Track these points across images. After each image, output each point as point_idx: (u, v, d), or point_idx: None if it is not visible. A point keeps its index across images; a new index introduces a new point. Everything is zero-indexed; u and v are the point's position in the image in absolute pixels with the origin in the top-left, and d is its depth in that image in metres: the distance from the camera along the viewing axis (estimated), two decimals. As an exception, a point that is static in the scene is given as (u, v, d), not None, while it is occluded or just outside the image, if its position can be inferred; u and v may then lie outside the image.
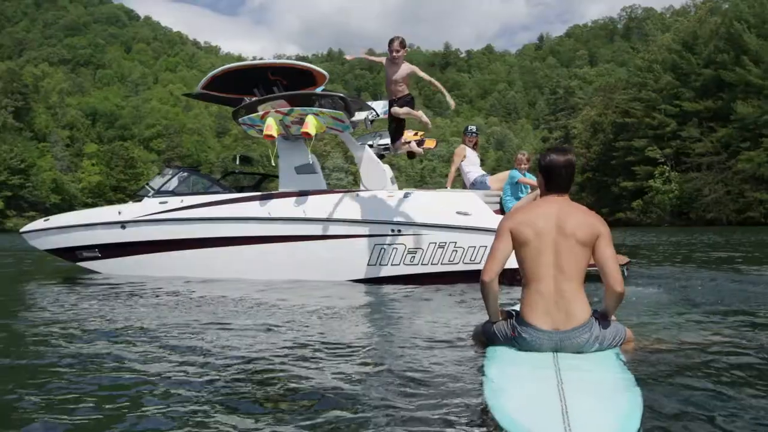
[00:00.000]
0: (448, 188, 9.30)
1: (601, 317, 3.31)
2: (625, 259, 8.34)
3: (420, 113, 7.67)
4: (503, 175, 8.99)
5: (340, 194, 8.35)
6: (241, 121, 8.30)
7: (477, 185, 9.22)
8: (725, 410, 2.59)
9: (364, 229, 8.00)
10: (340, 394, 2.92)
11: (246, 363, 3.59)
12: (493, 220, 7.65)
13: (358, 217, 8.04)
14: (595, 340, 3.16)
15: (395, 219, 7.90)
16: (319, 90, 8.66)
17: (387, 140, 10.26)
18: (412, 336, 4.37)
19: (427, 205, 7.96)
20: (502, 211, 8.28)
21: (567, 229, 3.16)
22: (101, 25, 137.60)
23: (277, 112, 7.94)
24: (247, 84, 8.58)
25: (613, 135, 61.63)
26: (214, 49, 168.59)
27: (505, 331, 3.29)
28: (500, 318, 3.40)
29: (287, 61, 9.21)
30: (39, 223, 10.22)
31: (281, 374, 3.35)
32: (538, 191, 7.72)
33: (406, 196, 8.05)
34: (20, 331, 4.81)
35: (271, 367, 3.52)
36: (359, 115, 9.78)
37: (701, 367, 3.31)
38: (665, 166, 54.91)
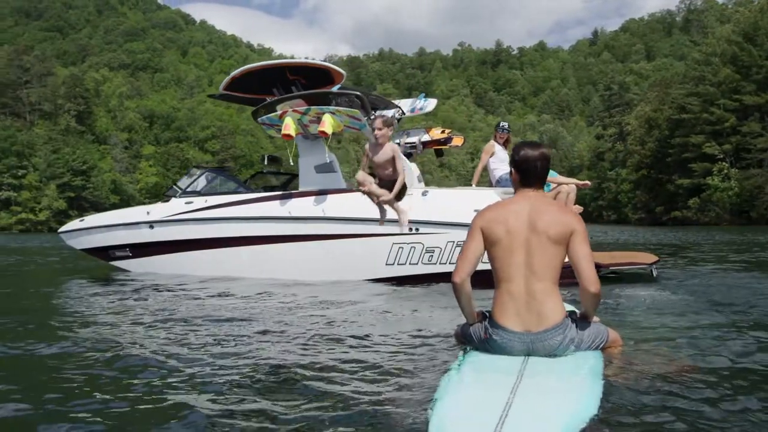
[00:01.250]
0: (474, 185, 9.13)
1: (581, 318, 3.18)
2: (652, 258, 8.04)
3: (403, 215, 7.09)
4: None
5: (359, 193, 8.30)
6: (261, 120, 8.37)
7: (502, 183, 9.04)
8: None
9: (382, 228, 7.93)
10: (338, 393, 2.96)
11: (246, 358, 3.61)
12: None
13: (378, 215, 7.97)
14: (571, 342, 3.03)
15: (413, 218, 7.80)
16: (335, 88, 8.63)
17: (414, 138, 10.21)
18: (396, 335, 4.32)
19: (445, 203, 7.85)
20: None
21: (539, 226, 3.03)
22: (159, 30, 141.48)
23: (294, 111, 7.98)
24: (267, 84, 8.66)
25: (669, 131, 59.66)
26: (267, 51, 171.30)
27: (479, 333, 3.20)
28: (476, 320, 3.29)
29: (305, 61, 9.26)
30: (75, 224, 10.56)
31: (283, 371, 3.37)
32: (560, 189, 7.59)
33: (424, 194, 7.97)
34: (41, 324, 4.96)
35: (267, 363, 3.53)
36: (386, 114, 9.73)
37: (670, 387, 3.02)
38: (724, 163, 52.78)
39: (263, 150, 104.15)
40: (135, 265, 9.90)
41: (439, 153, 10.89)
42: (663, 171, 60.28)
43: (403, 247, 7.86)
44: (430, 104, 10.54)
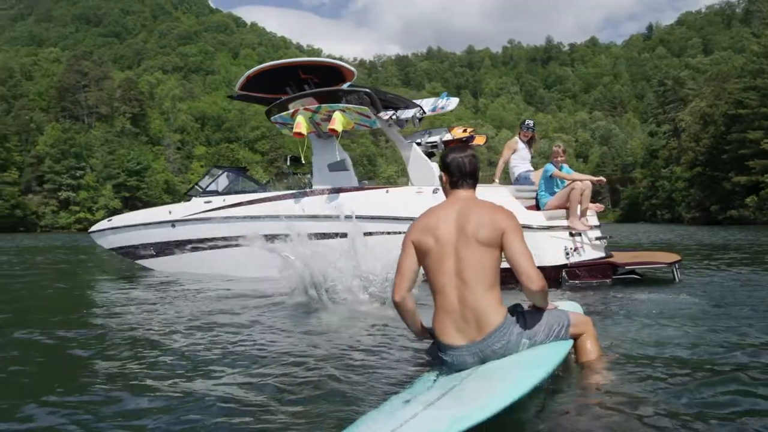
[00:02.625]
0: (496, 180, 8.96)
1: (530, 310, 3.07)
2: (673, 257, 7.72)
3: None
4: (546, 171, 8.57)
5: (370, 191, 8.26)
6: (274, 119, 8.41)
7: (521, 180, 8.90)
8: None
9: (392, 226, 7.86)
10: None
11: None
12: (523, 216, 7.32)
13: (387, 213, 7.92)
14: (520, 337, 2.92)
15: (422, 216, 7.70)
16: (345, 86, 8.60)
17: (436, 138, 10.08)
18: (369, 347, 4.15)
19: (455, 201, 7.71)
20: (537, 206, 7.90)
21: (468, 230, 2.91)
22: (211, 34, 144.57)
23: (305, 109, 7.99)
24: (281, 83, 8.69)
25: (725, 127, 57.48)
26: (316, 51, 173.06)
27: (436, 351, 3.11)
28: (424, 335, 3.22)
29: (316, 59, 9.24)
30: (103, 224, 10.81)
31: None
32: (574, 186, 7.37)
33: (434, 191, 7.84)
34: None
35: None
36: (407, 113, 9.65)
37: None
38: (784, 159, 50.63)
39: (310, 150, 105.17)
40: (159, 264, 10.08)
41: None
42: (718, 168, 58.15)
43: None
44: (452, 103, 10.39)
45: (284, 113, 8.23)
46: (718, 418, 2.49)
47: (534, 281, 2.85)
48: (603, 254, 7.66)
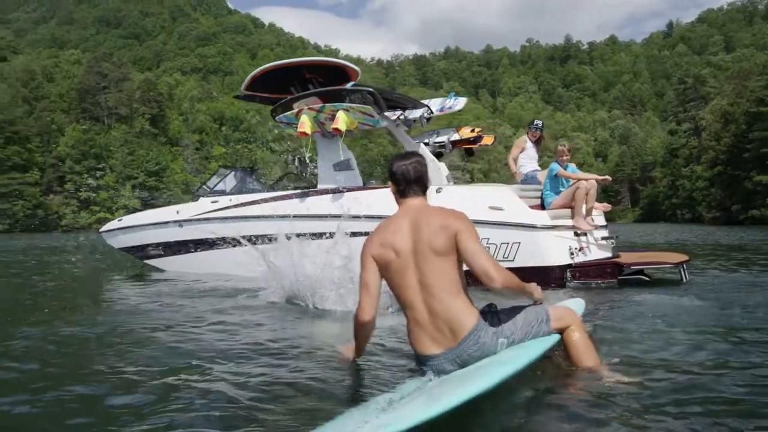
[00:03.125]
0: (519, 180, 8.81)
1: (506, 310, 3.03)
2: (680, 258, 7.61)
3: None
4: (554, 171, 8.50)
5: (373, 191, 8.23)
6: (278, 119, 8.42)
7: (528, 180, 8.85)
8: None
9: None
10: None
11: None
12: (527, 215, 7.28)
13: (391, 213, 7.86)
14: (496, 337, 2.88)
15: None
16: (349, 86, 8.58)
17: (443, 138, 10.05)
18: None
19: (459, 200, 7.64)
20: (542, 206, 7.82)
21: (423, 241, 2.88)
22: (229, 35, 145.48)
23: (310, 109, 7.99)
24: (286, 83, 8.69)
25: (747, 125, 56.62)
26: (334, 51, 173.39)
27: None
28: (362, 354, 3.28)
29: (320, 59, 9.23)
30: (114, 223, 10.89)
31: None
32: (579, 185, 7.29)
33: (438, 191, 7.80)
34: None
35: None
36: (415, 113, 9.62)
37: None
38: (807, 158, 49.80)
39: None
40: (168, 264, 10.14)
41: (469, 152, 10.69)
42: (740, 167, 57.34)
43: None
44: (460, 103, 10.36)
45: (289, 113, 8.24)
46: (711, 420, 2.46)
47: (494, 278, 2.78)
48: (609, 254, 7.56)
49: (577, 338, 3.07)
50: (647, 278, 7.66)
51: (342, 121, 7.71)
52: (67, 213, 72.02)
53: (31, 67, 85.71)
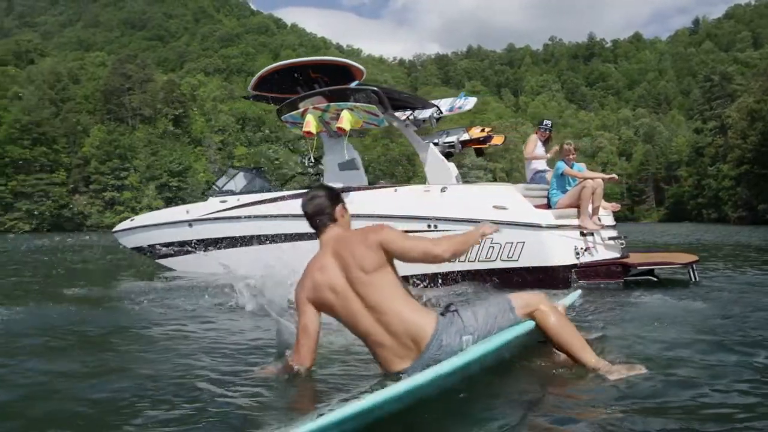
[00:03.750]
0: (547, 177, 8.71)
1: (465, 306, 3.02)
2: (689, 258, 7.47)
3: None
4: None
5: (378, 190, 8.21)
6: (284, 118, 8.44)
7: (536, 179, 8.80)
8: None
9: (400, 225, 7.78)
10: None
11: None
12: (532, 215, 7.19)
13: (396, 212, 7.85)
14: (458, 335, 2.84)
15: (431, 214, 7.63)
16: (353, 85, 8.57)
17: (453, 138, 10.00)
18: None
19: (463, 199, 7.61)
20: (548, 205, 7.73)
21: (351, 266, 2.87)
22: (252, 35, 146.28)
23: (315, 108, 7.99)
24: (292, 83, 8.71)
25: (774, 123, 55.57)
26: (355, 51, 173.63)
27: None
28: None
29: (325, 58, 9.25)
30: (126, 223, 11.01)
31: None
32: (585, 184, 7.19)
33: (443, 190, 7.76)
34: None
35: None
36: (424, 113, 9.58)
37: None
38: (836, 157, 48.63)
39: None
40: (178, 264, 10.20)
41: (479, 152, 10.62)
42: (767, 166, 56.23)
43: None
44: (470, 103, 10.30)
45: (294, 112, 8.26)
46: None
47: (438, 253, 2.87)
48: (617, 254, 7.46)
49: (552, 321, 3.02)
50: (655, 279, 7.53)
51: (346, 120, 7.70)
52: (93, 213, 73.09)
53: (57, 70, 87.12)
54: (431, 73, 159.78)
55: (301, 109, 8.13)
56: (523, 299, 3.08)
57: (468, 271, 7.38)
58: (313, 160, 9.02)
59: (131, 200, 74.20)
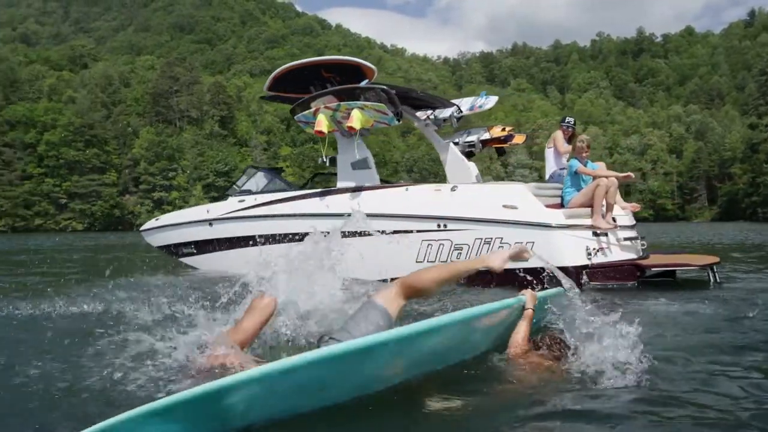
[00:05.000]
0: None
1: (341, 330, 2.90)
2: (708, 260, 7.18)
3: None
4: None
5: (390, 189, 8.16)
6: (297, 118, 8.46)
7: (555, 178, 8.63)
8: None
9: (411, 225, 7.73)
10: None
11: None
12: (542, 214, 7.03)
13: (407, 212, 7.79)
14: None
15: (441, 214, 7.54)
16: (363, 83, 8.52)
17: (473, 137, 9.89)
18: None
19: (473, 198, 7.49)
20: (562, 204, 7.55)
21: None
22: (297, 37, 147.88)
23: (326, 108, 7.99)
24: (306, 82, 8.73)
25: (833, 118, 53.27)
26: (399, 51, 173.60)
27: None
28: None
29: (336, 57, 9.24)
30: (152, 222, 11.22)
31: None
32: (599, 182, 6.99)
33: (453, 189, 7.66)
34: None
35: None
36: (444, 113, 9.49)
37: None
38: None
39: (395, 149, 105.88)
40: (200, 262, 10.34)
41: (500, 151, 10.47)
42: (825, 163, 54.01)
43: (432, 245, 7.59)
44: (491, 101, 10.15)
45: (306, 112, 8.28)
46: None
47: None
48: (633, 255, 7.23)
49: (413, 276, 2.98)
50: (672, 279, 7.27)
51: (356, 119, 7.68)
52: (142, 212, 75.04)
53: (108, 73, 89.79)
54: (476, 72, 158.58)
55: (313, 109, 8.14)
56: (387, 294, 2.95)
57: (477, 272, 7.23)
58: (326, 160, 9.03)
59: (179, 200, 75.86)
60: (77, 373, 3.15)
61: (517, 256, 3.16)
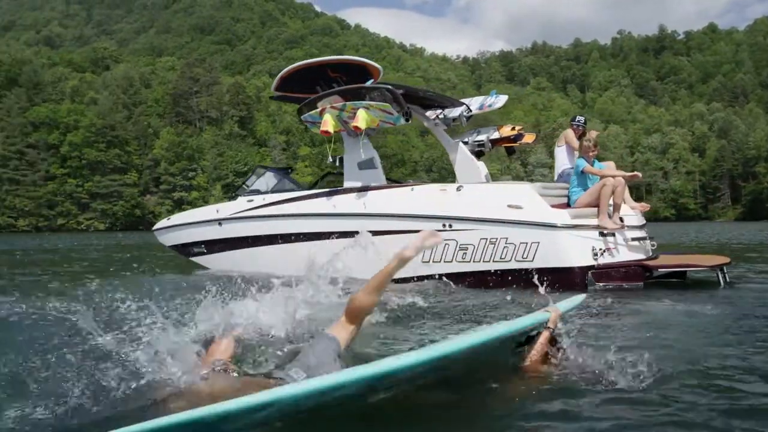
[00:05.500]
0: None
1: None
2: (718, 260, 7.07)
3: None
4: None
5: (396, 189, 8.14)
6: (304, 118, 8.47)
7: (564, 177, 8.54)
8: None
9: (416, 225, 7.68)
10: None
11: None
12: (547, 214, 6.96)
13: (411, 212, 7.76)
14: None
15: (447, 213, 7.50)
16: (369, 83, 8.51)
17: (483, 137, 9.84)
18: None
19: (478, 198, 7.44)
20: (568, 203, 7.47)
21: None
22: (316, 37, 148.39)
23: (332, 107, 7.99)
24: (312, 82, 8.74)
25: None
26: (419, 50, 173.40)
27: None
28: None
29: (342, 57, 9.25)
30: (163, 222, 11.30)
31: None
32: (605, 182, 6.91)
33: (458, 189, 7.62)
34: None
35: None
36: (453, 112, 9.46)
37: None
38: None
39: (414, 149, 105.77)
40: (210, 262, 10.39)
41: (510, 151, 10.39)
42: None
43: (437, 244, 7.54)
44: (500, 101, 10.09)
45: (313, 111, 8.29)
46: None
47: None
48: (641, 256, 7.14)
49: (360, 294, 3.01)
50: (680, 280, 7.17)
51: (362, 119, 7.67)
52: (162, 212, 75.80)
53: (130, 75, 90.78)
54: (495, 71, 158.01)
55: (319, 109, 8.15)
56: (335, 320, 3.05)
57: (482, 272, 7.22)
58: (331, 159, 9.03)
59: (199, 200, 76.49)
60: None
61: (426, 242, 3.18)
